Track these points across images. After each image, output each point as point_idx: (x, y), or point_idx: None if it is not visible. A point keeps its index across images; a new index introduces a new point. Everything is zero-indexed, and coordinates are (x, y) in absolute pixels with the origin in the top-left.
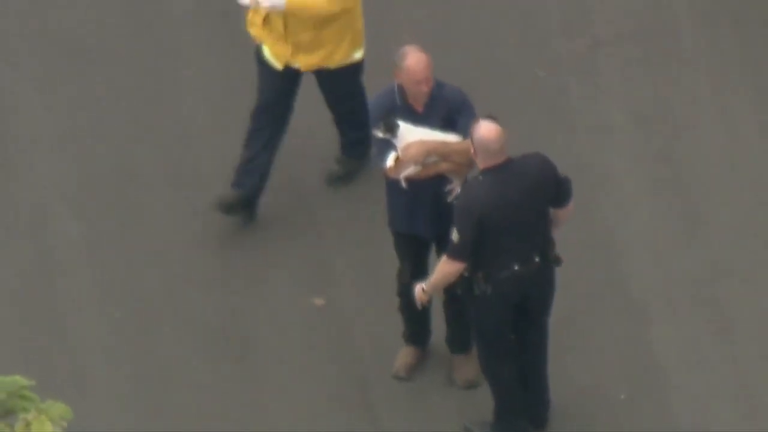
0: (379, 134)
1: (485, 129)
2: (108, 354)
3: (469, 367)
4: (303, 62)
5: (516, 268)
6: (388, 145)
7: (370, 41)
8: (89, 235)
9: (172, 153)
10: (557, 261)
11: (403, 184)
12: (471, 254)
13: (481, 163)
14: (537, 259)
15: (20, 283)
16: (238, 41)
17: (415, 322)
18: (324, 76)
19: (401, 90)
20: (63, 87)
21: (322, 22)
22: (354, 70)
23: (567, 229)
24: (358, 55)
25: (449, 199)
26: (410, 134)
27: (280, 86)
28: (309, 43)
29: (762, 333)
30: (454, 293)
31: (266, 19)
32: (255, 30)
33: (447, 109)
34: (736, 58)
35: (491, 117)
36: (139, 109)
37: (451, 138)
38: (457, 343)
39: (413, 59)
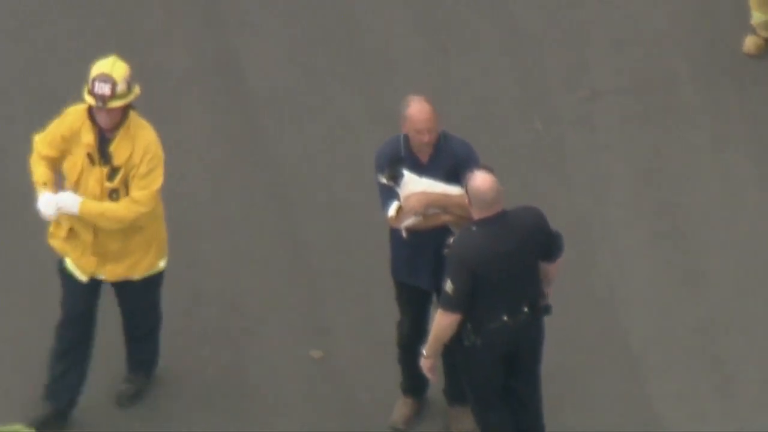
0: (383, 180)
1: (480, 180)
2: (111, 413)
3: (466, 418)
4: (110, 272)
5: (505, 318)
6: (392, 194)
7: (372, 94)
8: None
9: (170, 208)
10: (546, 311)
11: (404, 234)
12: (465, 305)
13: (475, 214)
14: (526, 310)
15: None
16: (237, 96)
17: (413, 373)
18: (127, 288)
19: (406, 140)
20: None
21: (130, 231)
22: (157, 281)
23: (566, 281)
24: (162, 263)
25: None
26: (414, 184)
27: (85, 298)
28: (117, 252)
29: (762, 387)
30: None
31: (71, 232)
32: (58, 243)
33: (452, 162)
34: (735, 112)
35: (486, 168)
36: None
37: (454, 190)
38: (455, 394)
39: (416, 108)
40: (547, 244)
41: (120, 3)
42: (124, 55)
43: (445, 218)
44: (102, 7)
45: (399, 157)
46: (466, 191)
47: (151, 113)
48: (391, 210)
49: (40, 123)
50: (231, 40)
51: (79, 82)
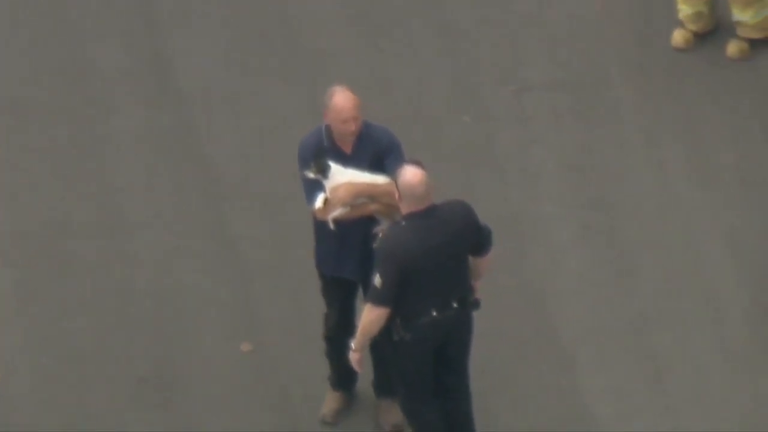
0: (311, 175)
1: (410, 174)
2: (38, 403)
3: (395, 411)
4: None
5: (434, 314)
6: (317, 187)
7: (304, 90)
8: (19, 284)
9: (102, 203)
10: (476, 305)
11: (331, 226)
12: (393, 299)
13: (404, 208)
14: (455, 305)
15: None
16: (169, 92)
17: (341, 367)
18: None
19: (329, 131)
20: None
21: None
22: None
23: (498, 276)
24: None
25: (375, 241)
26: (340, 175)
27: None
28: None
29: (694, 381)
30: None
31: None
32: None
33: (375, 150)
34: (666, 107)
35: (416, 162)
36: (70, 160)
37: (379, 179)
38: (384, 387)
39: (341, 98)
40: (477, 239)
41: (56, 0)
42: (56, 50)
43: (373, 207)
44: (35, 3)
45: (322, 148)
46: (396, 185)
47: (83, 109)
48: (318, 202)
49: None
50: (164, 36)
51: (13, 79)
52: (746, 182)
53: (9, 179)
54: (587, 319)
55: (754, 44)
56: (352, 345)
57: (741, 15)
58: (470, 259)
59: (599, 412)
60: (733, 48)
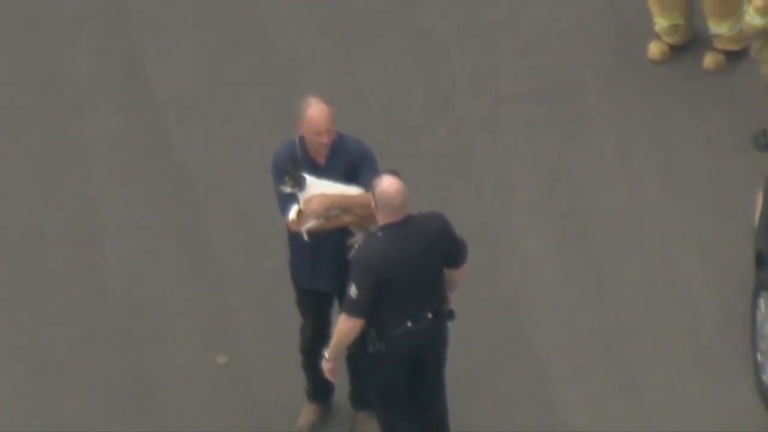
0: (287, 189)
1: (387, 184)
2: (15, 414)
3: (372, 423)
4: None
5: (409, 325)
6: (291, 199)
7: (277, 99)
8: None
9: (75, 212)
10: (450, 316)
11: (306, 237)
12: (369, 310)
13: (381, 219)
14: (430, 316)
15: None
16: (142, 101)
17: (318, 378)
18: None
19: (302, 142)
20: None
21: None
22: None
23: (472, 286)
24: None
25: (351, 252)
26: (314, 187)
27: None
28: None
29: (668, 390)
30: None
31: None
32: None
33: (349, 161)
34: (639, 117)
35: (393, 172)
36: (43, 168)
37: (353, 190)
38: (360, 399)
39: (315, 110)
40: (452, 252)
41: (28, 6)
42: (30, 59)
43: (347, 219)
44: (8, 12)
45: (296, 159)
46: (373, 195)
47: (56, 117)
48: (292, 213)
49: None
50: (137, 45)
51: None
52: (719, 192)
53: None
54: (561, 328)
55: (730, 57)
56: (326, 355)
57: (718, 28)
58: (446, 270)
59: (574, 421)
60: (709, 60)
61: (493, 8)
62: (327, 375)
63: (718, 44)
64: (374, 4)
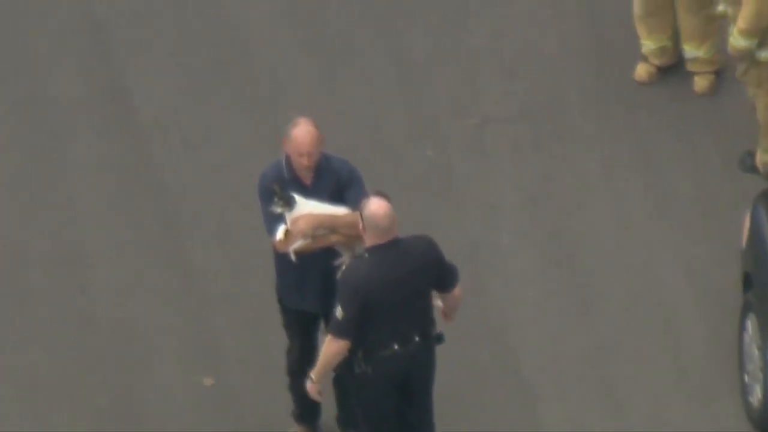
0: (278, 209)
1: (375, 206)
2: None
3: None
4: None
5: (396, 347)
6: (278, 219)
7: (261, 120)
8: None
9: (59, 233)
10: (439, 339)
11: (293, 257)
12: (355, 332)
13: (368, 240)
14: (417, 339)
15: None
16: (126, 122)
17: (305, 400)
18: None
19: (289, 162)
20: None
21: None
22: None
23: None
24: None
25: (338, 273)
26: (301, 207)
27: None
28: None
29: (652, 411)
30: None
31: None
32: None
33: (335, 182)
34: (625, 139)
35: (381, 194)
36: (27, 191)
37: (340, 210)
38: (348, 421)
39: (301, 131)
40: (440, 275)
41: (10, 29)
42: (12, 82)
43: (334, 239)
44: None
45: (283, 179)
46: (361, 217)
47: (40, 140)
48: (279, 234)
49: None
50: (121, 67)
51: None
52: (706, 213)
53: None
54: (547, 349)
55: (717, 74)
56: (312, 376)
57: (696, 51)
58: (439, 295)
59: None
60: (703, 83)
61: (476, 30)
62: (313, 396)
63: (694, 67)
64: (357, 25)
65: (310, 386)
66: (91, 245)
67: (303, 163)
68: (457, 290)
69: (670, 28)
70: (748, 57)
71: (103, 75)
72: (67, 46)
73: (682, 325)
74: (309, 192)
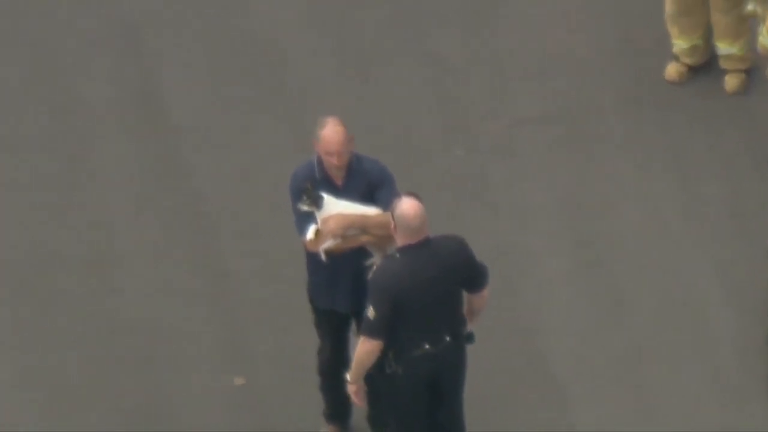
0: (304, 208)
1: (407, 206)
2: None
3: None
4: None
5: (427, 347)
6: (309, 218)
7: (293, 123)
8: (7, 319)
9: (89, 235)
10: (470, 339)
11: (323, 257)
12: (387, 332)
13: (399, 240)
14: (448, 339)
15: None
16: (157, 125)
17: (336, 400)
18: None
19: (320, 162)
20: None
21: None
22: None
23: (489, 310)
24: None
25: (369, 273)
26: (332, 206)
27: None
28: None
29: (685, 413)
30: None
31: None
32: None
33: (367, 183)
34: (657, 140)
35: (413, 194)
36: (57, 193)
37: (371, 211)
38: (379, 421)
39: (329, 130)
40: (471, 275)
41: (39, 32)
42: (44, 85)
43: (364, 239)
44: (22, 36)
45: (314, 179)
46: (392, 216)
47: (71, 142)
48: (309, 233)
49: None
50: (152, 70)
51: (0, 114)
52: (737, 214)
53: None
54: (579, 352)
55: (748, 73)
56: (348, 378)
57: (730, 48)
58: (466, 295)
59: None
60: (734, 81)
61: (507, 31)
62: (352, 397)
63: (727, 65)
64: (389, 28)
65: (350, 387)
66: (120, 246)
67: (333, 163)
68: (485, 291)
69: (702, 27)
70: None
71: (134, 78)
72: (99, 49)
73: (714, 326)
74: (340, 192)
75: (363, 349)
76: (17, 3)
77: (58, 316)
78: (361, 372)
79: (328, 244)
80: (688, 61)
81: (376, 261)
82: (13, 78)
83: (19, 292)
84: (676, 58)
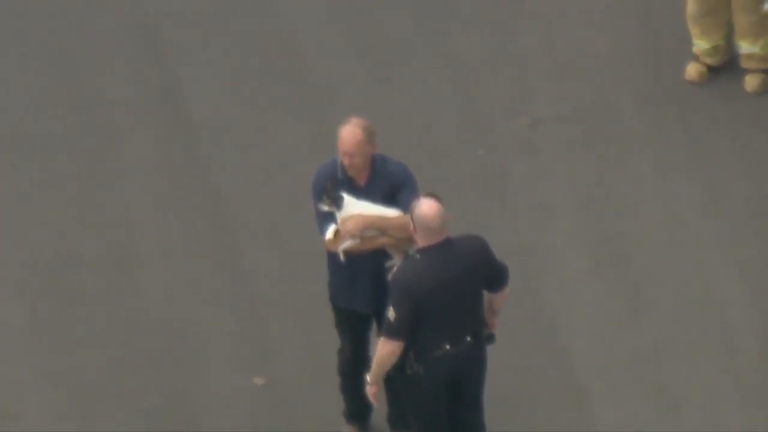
0: (324, 207)
1: (426, 206)
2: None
3: None
4: None
5: (447, 347)
6: (329, 218)
7: (314, 122)
8: (29, 317)
9: (111, 234)
10: (490, 339)
11: (342, 258)
12: (408, 332)
13: (420, 241)
14: (469, 339)
15: None
16: (179, 124)
17: (356, 400)
18: None
19: (343, 163)
20: (3, 173)
21: None
22: None
23: (510, 308)
24: None
25: (389, 275)
26: (352, 207)
27: None
28: None
29: (707, 412)
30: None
31: None
32: None
33: (389, 184)
34: (677, 139)
35: (433, 195)
36: (79, 192)
37: (391, 212)
38: (399, 421)
39: (346, 130)
40: (492, 275)
41: (63, 32)
42: (65, 85)
43: (383, 241)
44: (45, 35)
45: (336, 179)
46: (412, 217)
47: (92, 142)
48: (329, 233)
49: None
50: (173, 69)
51: (22, 112)
52: (758, 213)
53: (18, 211)
54: (600, 351)
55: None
56: (368, 378)
57: (752, 47)
58: (486, 294)
59: None
60: (754, 81)
61: (528, 30)
62: (370, 398)
63: (749, 64)
64: (409, 28)
65: (368, 389)
66: (142, 246)
67: (345, 162)
68: (506, 290)
69: (724, 27)
70: None
71: (155, 77)
72: (120, 48)
73: (736, 325)
74: (362, 193)
75: (384, 350)
76: (38, 3)
77: (79, 315)
78: (381, 373)
79: (346, 244)
80: (708, 61)
81: (396, 262)
82: (34, 77)
83: (41, 292)
84: (696, 58)
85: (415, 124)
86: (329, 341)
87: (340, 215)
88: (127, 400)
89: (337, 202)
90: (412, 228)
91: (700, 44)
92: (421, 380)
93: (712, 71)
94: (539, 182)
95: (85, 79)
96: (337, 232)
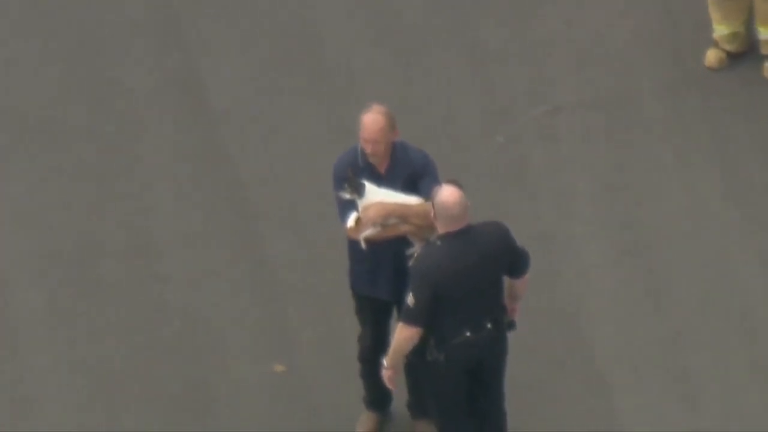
0: (346, 195)
1: (447, 193)
2: (70, 425)
3: None
4: None
5: (468, 334)
6: (350, 206)
7: (334, 110)
8: (51, 306)
9: (132, 223)
10: (510, 326)
11: (363, 245)
12: (426, 319)
13: (440, 228)
14: (489, 326)
15: None
16: (199, 112)
17: (376, 387)
18: None
19: (363, 150)
20: (24, 161)
21: None
22: None
23: (530, 296)
24: None
25: (410, 262)
26: (373, 195)
27: None
28: None
29: (728, 400)
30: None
31: None
32: None
33: (410, 172)
34: (698, 126)
35: (454, 182)
36: (100, 180)
37: (412, 200)
38: (419, 408)
39: (368, 117)
40: (513, 261)
41: (81, 21)
42: (86, 73)
43: (404, 228)
44: (64, 25)
45: (357, 166)
46: (433, 204)
47: (113, 130)
48: (350, 221)
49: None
50: (193, 57)
51: (44, 100)
52: None
53: (40, 200)
54: (621, 338)
55: None
56: (385, 362)
57: None
58: (507, 280)
59: (633, 431)
60: None
61: (548, 19)
62: (386, 382)
63: None
64: (430, 16)
65: (384, 373)
66: (163, 235)
67: (366, 149)
68: (527, 276)
69: (744, 13)
70: None
71: (176, 66)
72: (140, 37)
73: (758, 314)
74: (382, 180)
75: (401, 336)
76: None
77: (100, 304)
78: (397, 358)
79: (367, 232)
80: (728, 47)
81: (417, 250)
82: (56, 66)
83: (63, 281)
84: (715, 44)
85: (436, 112)
86: (350, 329)
87: (362, 203)
88: (149, 387)
89: (359, 190)
90: (432, 215)
91: (720, 29)
92: (442, 367)
93: (732, 58)
94: (560, 170)
95: (106, 67)
96: (358, 220)
